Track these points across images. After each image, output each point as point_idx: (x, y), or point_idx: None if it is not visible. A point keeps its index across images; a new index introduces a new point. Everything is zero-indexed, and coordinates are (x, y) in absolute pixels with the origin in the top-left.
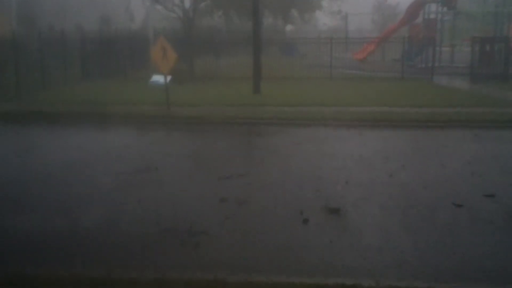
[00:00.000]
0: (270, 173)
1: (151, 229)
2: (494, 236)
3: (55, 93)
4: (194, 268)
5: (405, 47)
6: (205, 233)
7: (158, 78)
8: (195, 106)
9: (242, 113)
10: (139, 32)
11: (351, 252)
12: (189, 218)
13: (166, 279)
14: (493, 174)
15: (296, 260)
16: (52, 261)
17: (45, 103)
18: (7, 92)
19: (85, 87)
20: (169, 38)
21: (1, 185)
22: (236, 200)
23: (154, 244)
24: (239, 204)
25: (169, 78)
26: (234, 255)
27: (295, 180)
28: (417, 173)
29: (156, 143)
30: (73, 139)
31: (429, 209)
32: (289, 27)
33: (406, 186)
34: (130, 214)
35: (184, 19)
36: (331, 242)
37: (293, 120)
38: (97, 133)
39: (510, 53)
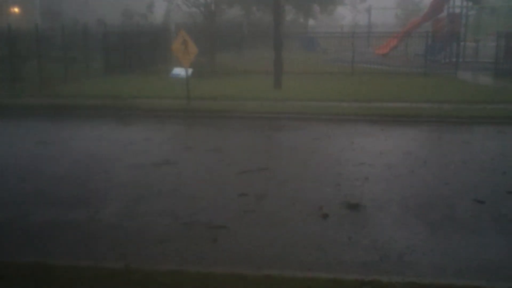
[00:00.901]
0: (290, 168)
1: (171, 223)
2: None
3: (78, 87)
4: (212, 262)
5: (428, 42)
6: (224, 227)
7: (179, 71)
8: (216, 99)
9: (262, 108)
10: (161, 26)
11: (370, 248)
12: (209, 212)
13: (183, 271)
14: None
15: (314, 255)
16: (73, 250)
17: (67, 97)
18: (30, 85)
19: (107, 81)
20: (191, 32)
21: (17, 178)
22: (255, 195)
23: (173, 238)
24: (259, 198)
25: (190, 71)
26: (252, 249)
27: (315, 175)
28: (438, 169)
29: (176, 137)
30: (95, 132)
31: (450, 206)
32: (311, 22)
33: (427, 182)
34: (150, 207)
35: (205, 13)
36: (350, 238)
37: (313, 115)
38: (118, 126)
39: None
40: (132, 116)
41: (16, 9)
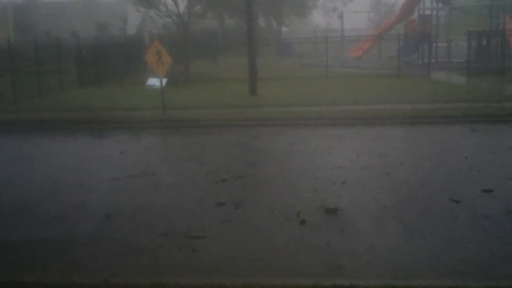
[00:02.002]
0: (267, 175)
1: (149, 234)
2: (491, 232)
3: (51, 100)
4: (191, 272)
5: (401, 43)
6: (202, 237)
7: (154, 82)
8: (191, 109)
9: (238, 115)
10: (135, 37)
11: (348, 253)
12: (187, 222)
13: (163, 283)
14: (491, 169)
15: (292, 262)
16: (50, 265)
17: (40, 110)
18: (3, 99)
19: (81, 93)
20: (165, 41)
21: None
22: (233, 203)
23: (152, 249)
24: (236, 207)
25: (165, 81)
26: (231, 258)
27: (292, 181)
28: (414, 170)
29: (153, 148)
30: (70, 146)
31: (426, 206)
32: (285, 28)
33: (403, 183)
34: (128, 219)
35: (178, 23)
36: (328, 242)
37: (289, 121)
38: (93, 139)
39: (506, 46)
40: (107, 129)
41: None
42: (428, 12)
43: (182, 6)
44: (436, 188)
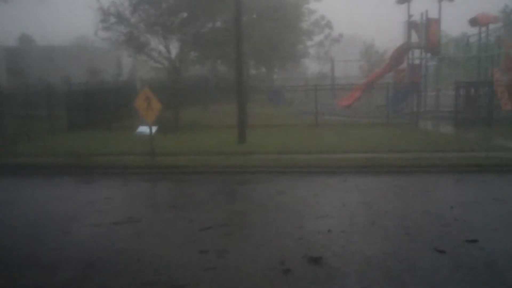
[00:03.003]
0: (252, 223)
1: (129, 283)
2: (475, 283)
3: (39, 144)
4: None
5: (390, 92)
6: (186, 285)
7: (144, 128)
8: (180, 155)
9: (225, 162)
10: (126, 82)
11: None
12: (169, 270)
13: None
14: (476, 220)
15: None
16: None
17: (28, 155)
18: None
19: (70, 138)
20: (155, 87)
21: None
22: (216, 251)
23: None
24: (220, 255)
25: (155, 128)
26: None
27: (277, 230)
28: (399, 219)
29: (139, 194)
30: (55, 191)
31: (411, 256)
32: (276, 75)
33: (388, 233)
34: (109, 266)
35: (170, 69)
36: None
37: (277, 168)
38: (81, 184)
39: (494, 97)
40: (95, 174)
41: None
42: (417, 61)
43: (173, 52)
44: (421, 237)
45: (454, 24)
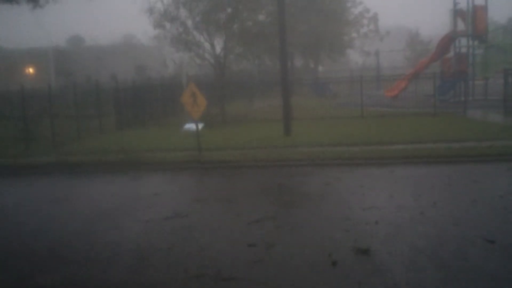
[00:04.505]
0: (299, 215)
1: (180, 276)
2: None
3: (90, 143)
4: None
5: (437, 82)
6: (234, 279)
7: (190, 125)
8: (226, 149)
9: (272, 155)
10: (173, 79)
11: None
12: (218, 263)
13: None
14: None
15: None
16: None
17: (80, 154)
18: (44, 144)
19: (119, 136)
20: (201, 83)
21: (30, 236)
22: (264, 244)
23: None
24: (268, 248)
25: (201, 123)
26: None
27: (324, 222)
28: (448, 210)
29: (187, 189)
30: (107, 188)
31: (460, 246)
32: (321, 67)
33: (437, 224)
34: (159, 260)
35: (215, 65)
36: (360, 284)
37: (323, 160)
38: (131, 181)
39: None
40: (144, 170)
41: (30, 69)
42: (464, 50)
43: (218, 48)
44: (470, 228)
45: (502, 10)
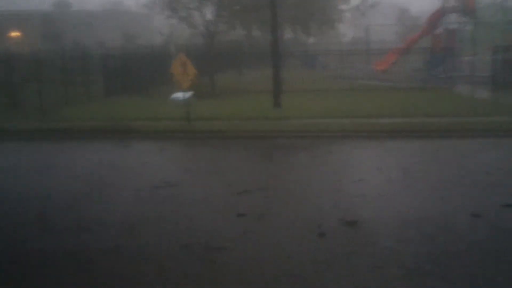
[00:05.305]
0: (288, 187)
1: (169, 244)
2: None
3: (78, 110)
4: (210, 285)
5: (426, 57)
6: (223, 248)
7: (179, 95)
8: (215, 120)
9: (261, 127)
10: (161, 48)
11: (367, 266)
12: (208, 233)
13: None
14: None
15: (312, 276)
16: (70, 277)
17: (67, 120)
18: (30, 108)
19: (107, 103)
20: (190, 53)
21: (15, 202)
22: (254, 215)
23: (171, 260)
24: (257, 218)
25: (190, 94)
26: (250, 270)
27: (313, 194)
28: (435, 183)
29: (176, 159)
30: (95, 156)
31: (445, 219)
32: (311, 40)
33: (423, 197)
34: (149, 229)
35: (205, 34)
36: (349, 254)
37: (312, 133)
38: (119, 149)
39: None
40: (132, 139)
41: (17, 33)
42: (453, 26)
43: (208, 17)
44: (456, 201)
45: None
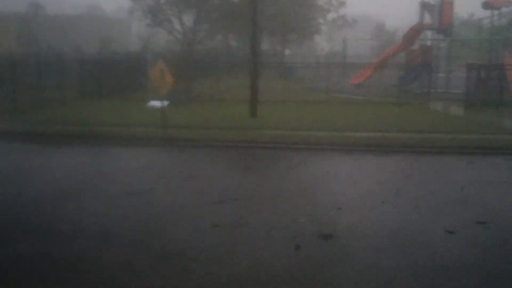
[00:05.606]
0: (263, 198)
1: (141, 254)
2: (482, 260)
3: (51, 113)
4: None
5: (401, 72)
6: (196, 259)
7: (155, 102)
8: (191, 128)
9: (237, 136)
10: (138, 53)
11: (342, 278)
12: (181, 243)
13: None
14: (486, 201)
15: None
16: (38, 284)
17: (40, 123)
18: (3, 111)
19: (82, 107)
20: (168, 60)
21: None
22: (228, 225)
23: (144, 270)
24: (232, 229)
25: (166, 102)
26: (224, 281)
27: (288, 205)
28: (409, 199)
29: (150, 166)
30: (67, 161)
31: (421, 236)
32: (287, 51)
33: (398, 212)
34: (121, 238)
35: (183, 42)
36: (323, 267)
37: (288, 144)
38: (91, 154)
39: (505, 79)
40: (106, 145)
41: None
42: (429, 43)
43: (188, 24)
44: (430, 218)
45: (467, 6)
